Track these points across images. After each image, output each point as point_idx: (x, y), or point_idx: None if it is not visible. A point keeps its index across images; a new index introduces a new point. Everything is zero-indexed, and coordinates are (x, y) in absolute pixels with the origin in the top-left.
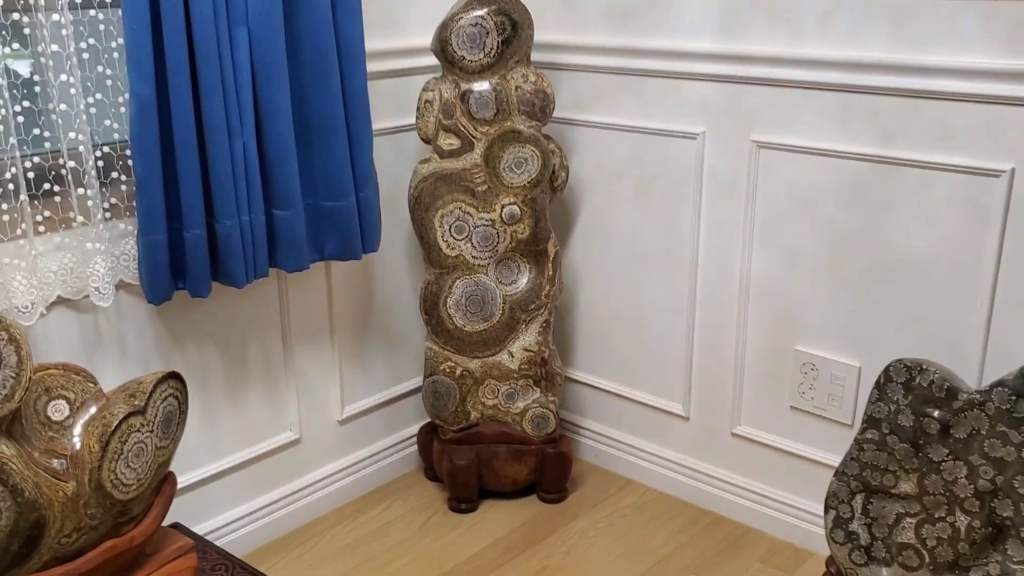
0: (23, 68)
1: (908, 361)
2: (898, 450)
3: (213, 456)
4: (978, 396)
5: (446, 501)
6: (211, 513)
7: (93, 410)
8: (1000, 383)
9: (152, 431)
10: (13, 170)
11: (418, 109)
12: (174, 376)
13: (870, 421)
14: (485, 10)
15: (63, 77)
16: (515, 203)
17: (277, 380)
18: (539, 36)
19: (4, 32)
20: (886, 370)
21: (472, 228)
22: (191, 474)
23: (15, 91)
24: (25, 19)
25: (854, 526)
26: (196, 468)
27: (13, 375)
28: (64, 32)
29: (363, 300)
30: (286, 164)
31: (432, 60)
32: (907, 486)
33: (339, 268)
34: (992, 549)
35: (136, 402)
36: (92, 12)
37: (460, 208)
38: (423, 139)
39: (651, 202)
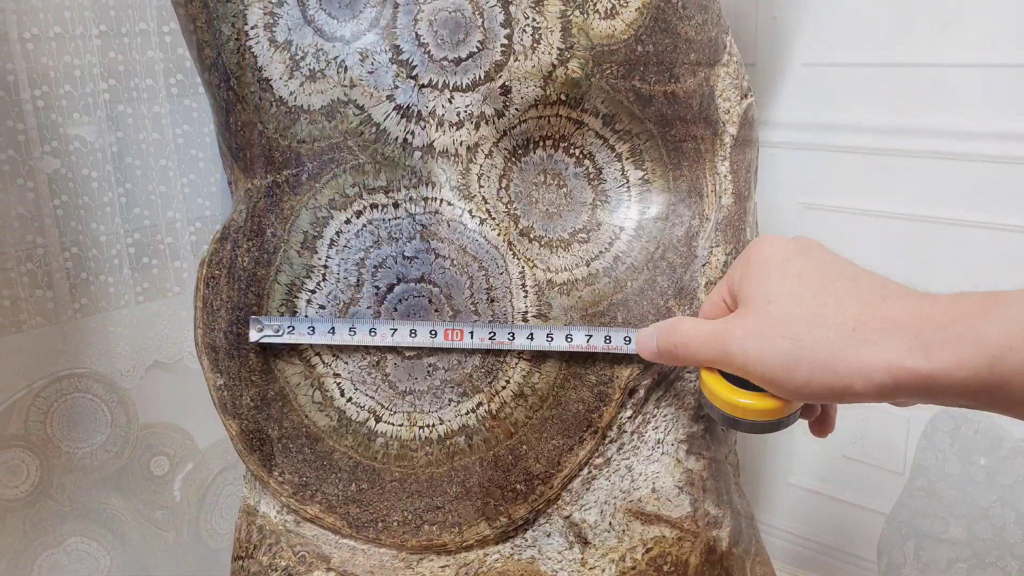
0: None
1: (953, 411)
2: (946, 497)
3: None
4: (1023, 444)
5: None
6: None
7: (190, 466)
8: None
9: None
10: (118, 247)
11: None
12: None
13: (918, 469)
14: None
15: (163, 162)
16: None
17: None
18: None
19: (111, 122)
20: (932, 420)
21: None
22: None
23: (119, 174)
24: (129, 110)
25: (907, 571)
26: None
27: (122, 434)
28: (163, 121)
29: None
30: None
31: None
32: (957, 531)
33: None
34: None
35: (228, 457)
36: (187, 101)
37: None
38: None
39: None
